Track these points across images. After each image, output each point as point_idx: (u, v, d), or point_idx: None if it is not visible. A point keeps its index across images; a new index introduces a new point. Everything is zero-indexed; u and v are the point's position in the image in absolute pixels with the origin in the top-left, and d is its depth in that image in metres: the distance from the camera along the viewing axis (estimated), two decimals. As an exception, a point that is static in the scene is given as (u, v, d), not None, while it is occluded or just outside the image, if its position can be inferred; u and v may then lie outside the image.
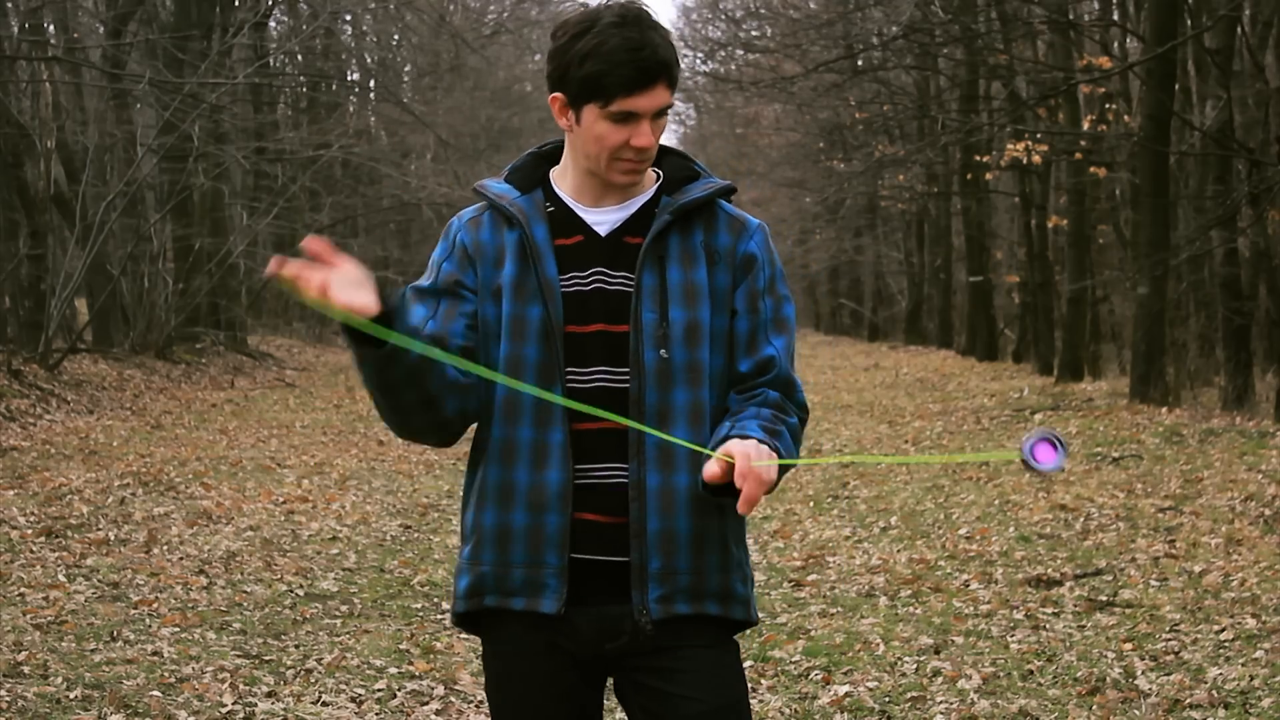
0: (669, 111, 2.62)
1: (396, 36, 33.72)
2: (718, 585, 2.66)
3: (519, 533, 2.62)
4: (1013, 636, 6.39)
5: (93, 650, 5.96)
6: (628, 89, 2.54)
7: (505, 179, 2.75)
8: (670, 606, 2.62)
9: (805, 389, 2.78)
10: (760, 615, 2.80)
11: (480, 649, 2.82)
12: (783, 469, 2.51)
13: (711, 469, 2.45)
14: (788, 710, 5.46)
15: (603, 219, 2.67)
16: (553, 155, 2.76)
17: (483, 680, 5.98)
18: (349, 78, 33.84)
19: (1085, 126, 19.84)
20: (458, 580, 2.73)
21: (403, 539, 9.15)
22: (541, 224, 2.66)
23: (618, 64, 2.52)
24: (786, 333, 2.71)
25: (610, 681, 2.75)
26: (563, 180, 2.71)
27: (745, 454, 2.43)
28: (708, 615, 2.65)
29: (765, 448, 2.48)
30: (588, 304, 2.62)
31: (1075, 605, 6.88)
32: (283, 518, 9.46)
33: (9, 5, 18.57)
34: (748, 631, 2.82)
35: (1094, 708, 5.34)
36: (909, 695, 5.58)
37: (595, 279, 2.64)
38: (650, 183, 2.72)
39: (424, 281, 2.72)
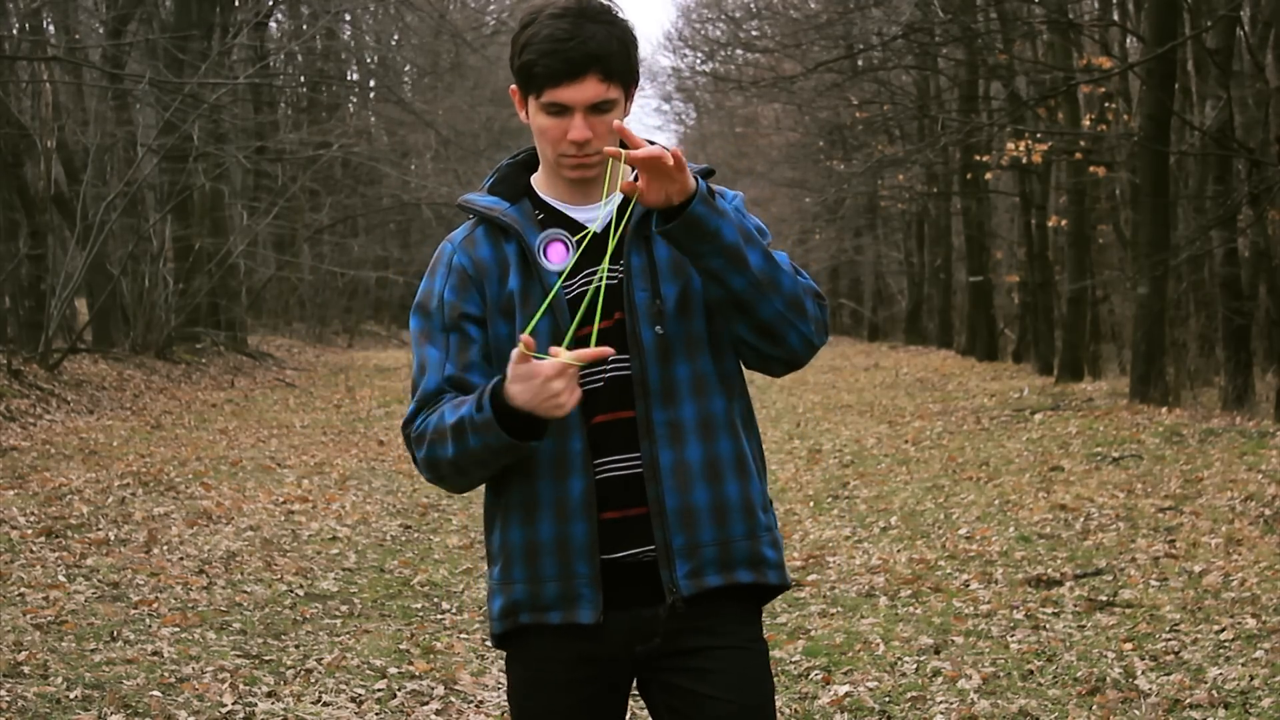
0: (615, 107, 2.58)
1: (396, 36, 33.73)
2: (746, 552, 2.64)
3: (547, 546, 2.61)
4: (1013, 636, 6.39)
5: (93, 650, 5.96)
6: (554, 80, 2.53)
7: (489, 191, 2.73)
8: (700, 580, 2.61)
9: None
10: (763, 615, 2.78)
11: (484, 648, 2.81)
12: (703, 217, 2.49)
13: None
14: (788, 710, 5.46)
15: (593, 216, 2.66)
16: (529, 162, 2.75)
17: (483, 680, 5.99)
18: (349, 78, 33.85)
19: (1085, 126, 19.84)
20: (491, 602, 2.71)
21: (403, 539, 9.15)
22: (536, 233, 2.65)
23: (543, 54, 2.52)
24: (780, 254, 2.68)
25: (635, 681, 2.74)
26: (545, 185, 2.70)
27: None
28: (740, 584, 2.64)
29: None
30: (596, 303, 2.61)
31: (1075, 605, 6.87)
32: (283, 518, 9.46)
33: (9, 5, 18.57)
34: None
35: (1094, 708, 5.34)
36: (909, 695, 5.58)
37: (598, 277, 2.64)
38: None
39: (432, 317, 2.68)
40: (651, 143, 2.53)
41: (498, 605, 2.68)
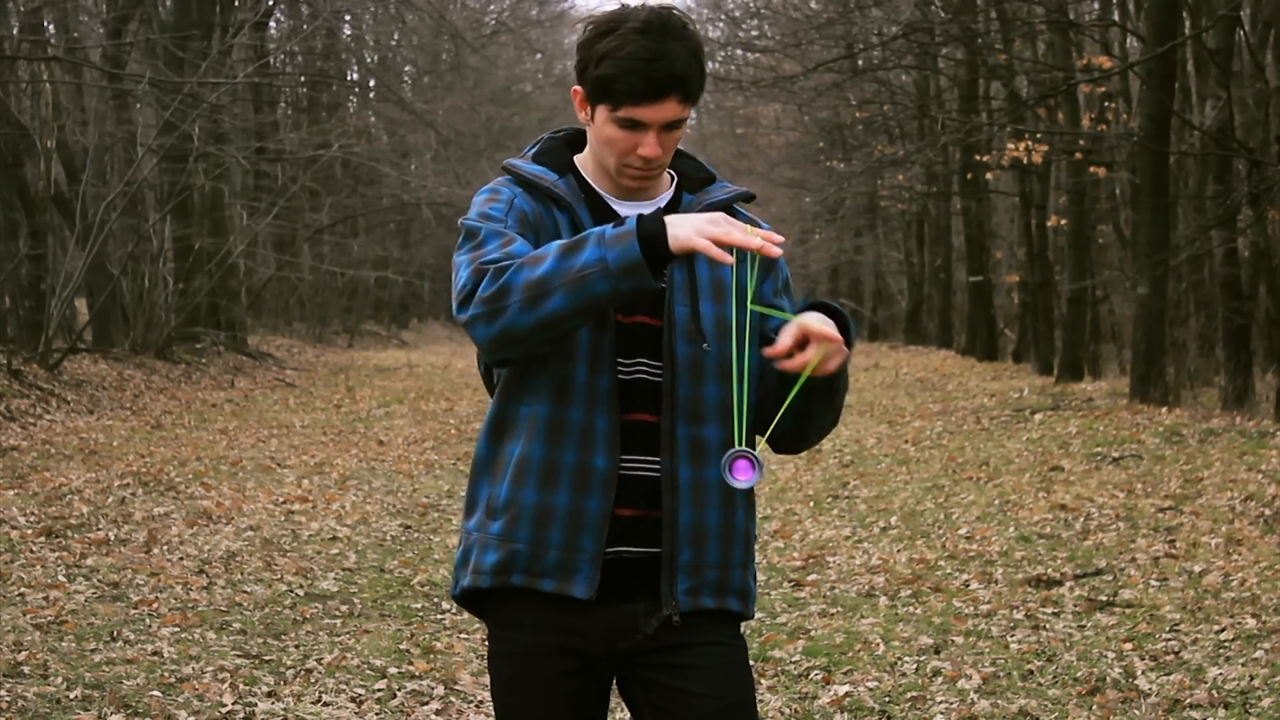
0: (684, 123, 2.61)
1: (396, 36, 33.72)
2: (739, 581, 2.69)
3: (559, 514, 2.59)
4: (1013, 636, 6.39)
5: (93, 650, 5.96)
6: (635, 98, 2.54)
7: (534, 160, 2.72)
8: (697, 600, 2.63)
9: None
10: (760, 615, 2.81)
11: (483, 648, 2.81)
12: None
13: (783, 340, 2.50)
14: (788, 710, 5.46)
15: (632, 213, 2.65)
16: (571, 141, 2.76)
17: (483, 680, 5.99)
18: (349, 78, 33.84)
19: (1085, 126, 19.84)
20: (482, 555, 2.64)
21: (403, 539, 9.15)
22: (584, 209, 2.66)
23: (628, 71, 2.52)
24: None
25: (615, 680, 2.75)
26: (593, 173, 2.71)
27: (817, 323, 2.51)
28: (727, 611, 2.67)
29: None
30: None
31: (1075, 605, 6.88)
32: (283, 518, 9.46)
33: (9, 5, 18.57)
34: (746, 631, 2.81)
35: (1094, 708, 5.34)
36: (909, 695, 5.58)
37: None
38: (666, 183, 2.73)
39: (493, 223, 2.60)
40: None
41: (491, 559, 2.62)
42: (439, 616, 7.05)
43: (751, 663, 2.80)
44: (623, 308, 2.59)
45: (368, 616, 6.98)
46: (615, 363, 2.60)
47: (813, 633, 6.59)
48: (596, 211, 2.66)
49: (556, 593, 2.60)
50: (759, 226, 2.72)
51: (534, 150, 2.75)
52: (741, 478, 2.51)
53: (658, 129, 2.57)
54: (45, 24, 20.70)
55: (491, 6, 40.73)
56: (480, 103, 34.90)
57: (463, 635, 6.57)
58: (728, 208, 2.72)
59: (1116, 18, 20.54)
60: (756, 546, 2.86)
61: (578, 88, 2.62)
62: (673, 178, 2.74)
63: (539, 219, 2.64)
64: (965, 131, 21.41)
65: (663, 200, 2.70)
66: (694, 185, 2.73)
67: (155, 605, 6.83)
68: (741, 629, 2.76)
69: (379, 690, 5.68)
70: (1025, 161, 20.84)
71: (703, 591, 2.63)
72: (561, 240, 2.49)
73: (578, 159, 2.73)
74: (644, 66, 2.51)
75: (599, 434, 2.59)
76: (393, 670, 5.96)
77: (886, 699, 5.56)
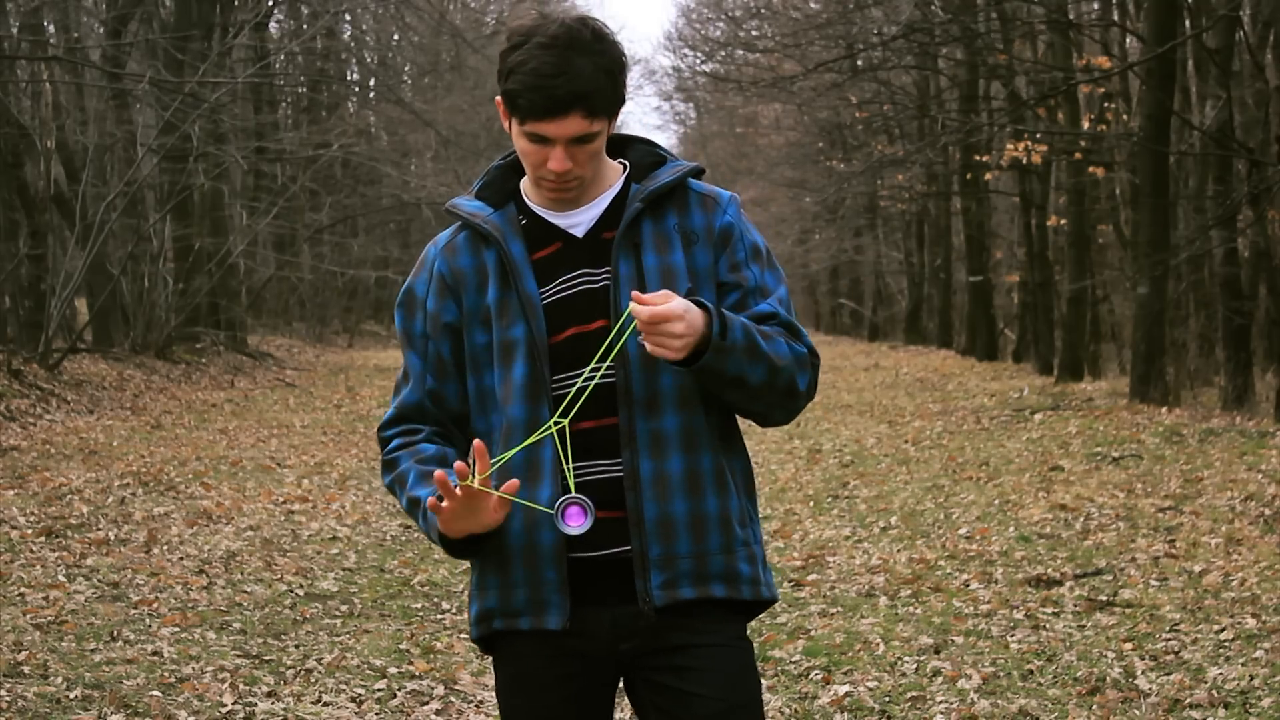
0: (599, 136, 2.58)
1: (396, 36, 33.73)
2: (721, 567, 2.64)
3: (516, 551, 2.63)
4: (1013, 636, 6.39)
5: (93, 650, 5.96)
6: (537, 114, 2.53)
7: (477, 195, 2.74)
8: (674, 591, 2.61)
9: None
10: (755, 618, 2.78)
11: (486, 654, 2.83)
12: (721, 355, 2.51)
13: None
14: (788, 710, 5.46)
15: (577, 220, 2.67)
16: (519, 164, 2.75)
17: (483, 680, 6.00)
18: (349, 78, 33.85)
19: (1085, 126, 19.84)
20: (469, 607, 2.75)
21: (403, 539, 9.15)
22: (518, 240, 2.66)
23: (530, 88, 2.51)
24: (778, 291, 2.69)
25: (621, 681, 2.74)
26: (531, 191, 2.71)
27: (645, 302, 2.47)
28: (714, 599, 2.64)
29: (684, 304, 2.48)
30: (575, 307, 2.62)
31: (1075, 605, 6.88)
32: (283, 518, 9.47)
33: (9, 5, 18.57)
34: (746, 630, 2.79)
35: (1094, 708, 5.34)
36: (909, 695, 5.58)
37: (580, 281, 2.64)
38: (617, 175, 2.71)
39: (414, 321, 2.72)
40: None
41: (474, 611, 2.73)
42: (439, 616, 7.05)
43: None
44: (568, 322, 2.61)
45: (368, 616, 6.98)
46: (551, 386, 2.61)
47: (813, 633, 6.59)
48: (532, 237, 2.66)
49: (534, 629, 2.64)
50: (718, 198, 2.72)
51: (479, 183, 2.76)
52: (573, 524, 2.53)
53: (565, 143, 2.55)
54: (45, 24, 20.70)
55: (491, 6, 40.71)
56: (480, 103, 34.87)
57: (463, 635, 6.57)
58: (677, 187, 2.68)
59: (1116, 18, 20.53)
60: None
61: (499, 98, 2.62)
62: (625, 167, 2.72)
63: (459, 276, 2.68)
64: (965, 131, 21.41)
65: (607, 198, 2.67)
66: (641, 172, 2.70)
67: (155, 605, 6.83)
68: (747, 630, 2.75)
69: (379, 690, 5.68)
70: (1025, 161, 20.84)
71: (679, 583, 2.61)
72: (410, 484, 2.65)
73: (524, 182, 2.73)
74: (545, 83, 2.50)
75: (544, 464, 2.61)
76: (393, 670, 5.96)
77: (886, 699, 5.56)
